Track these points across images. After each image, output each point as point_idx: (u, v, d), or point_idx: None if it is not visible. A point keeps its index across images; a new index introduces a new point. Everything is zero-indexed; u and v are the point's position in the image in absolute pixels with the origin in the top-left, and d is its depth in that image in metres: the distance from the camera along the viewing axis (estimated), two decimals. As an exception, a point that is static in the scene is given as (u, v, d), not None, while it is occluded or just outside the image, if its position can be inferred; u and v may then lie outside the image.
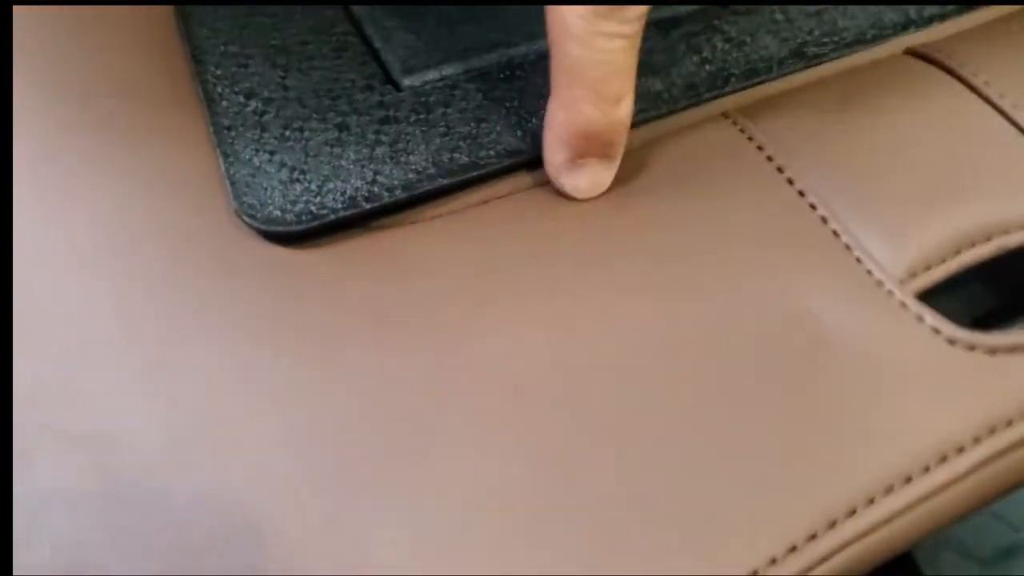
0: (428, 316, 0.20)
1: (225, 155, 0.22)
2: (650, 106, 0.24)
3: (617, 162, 0.22)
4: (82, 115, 0.23)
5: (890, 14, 0.27)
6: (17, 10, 0.26)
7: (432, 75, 0.25)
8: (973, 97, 0.24)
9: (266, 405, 0.19)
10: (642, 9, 0.20)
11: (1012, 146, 0.23)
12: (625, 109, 0.21)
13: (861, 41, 0.26)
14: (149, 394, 0.19)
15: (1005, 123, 0.23)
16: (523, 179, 0.23)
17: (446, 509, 0.17)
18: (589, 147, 0.22)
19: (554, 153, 0.22)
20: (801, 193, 0.22)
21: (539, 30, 0.25)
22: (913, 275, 0.21)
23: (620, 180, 0.23)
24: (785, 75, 0.25)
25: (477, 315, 0.20)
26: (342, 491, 0.17)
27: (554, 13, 0.20)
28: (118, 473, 0.17)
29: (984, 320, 0.23)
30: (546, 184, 0.23)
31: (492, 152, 0.23)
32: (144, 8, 0.27)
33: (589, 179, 0.22)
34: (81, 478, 0.17)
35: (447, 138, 0.23)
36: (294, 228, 0.21)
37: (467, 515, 0.17)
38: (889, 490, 0.18)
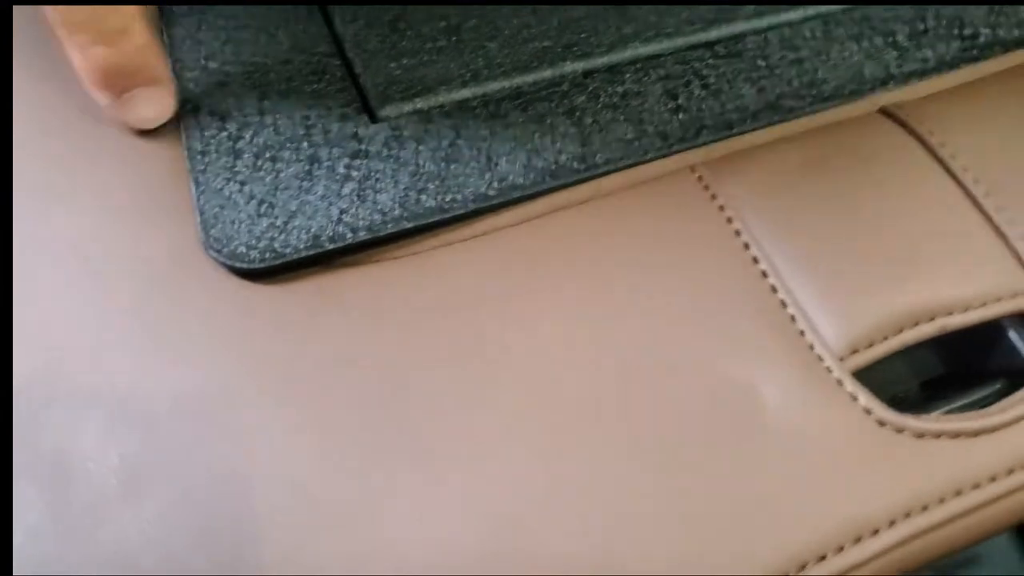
0: (378, 357, 0.21)
1: (197, 183, 0.23)
2: (619, 154, 0.24)
3: (168, 84, 0.23)
4: (56, 131, 0.24)
5: (870, 67, 0.27)
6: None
7: (407, 107, 0.25)
8: (937, 168, 0.24)
9: (223, 435, 0.19)
10: None
11: (966, 223, 0.23)
12: (137, 35, 0.22)
13: (838, 96, 0.26)
14: (117, 424, 0.19)
15: (963, 198, 0.24)
16: (487, 222, 0.24)
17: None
18: (124, 80, 0.22)
19: (98, 97, 0.23)
20: (755, 260, 0.23)
21: (518, 63, 0.26)
22: (854, 351, 0.21)
23: (578, 228, 0.23)
24: (758, 128, 0.26)
25: (428, 358, 0.21)
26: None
27: None
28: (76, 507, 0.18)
29: (930, 387, 0.24)
30: (508, 227, 0.23)
31: (459, 196, 0.23)
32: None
33: (146, 107, 0.23)
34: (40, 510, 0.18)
35: (416, 178, 0.23)
36: (258, 266, 0.21)
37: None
38: (802, 567, 0.19)
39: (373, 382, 0.20)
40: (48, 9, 0.21)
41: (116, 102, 0.23)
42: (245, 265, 0.21)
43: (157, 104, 0.23)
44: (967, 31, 0.28)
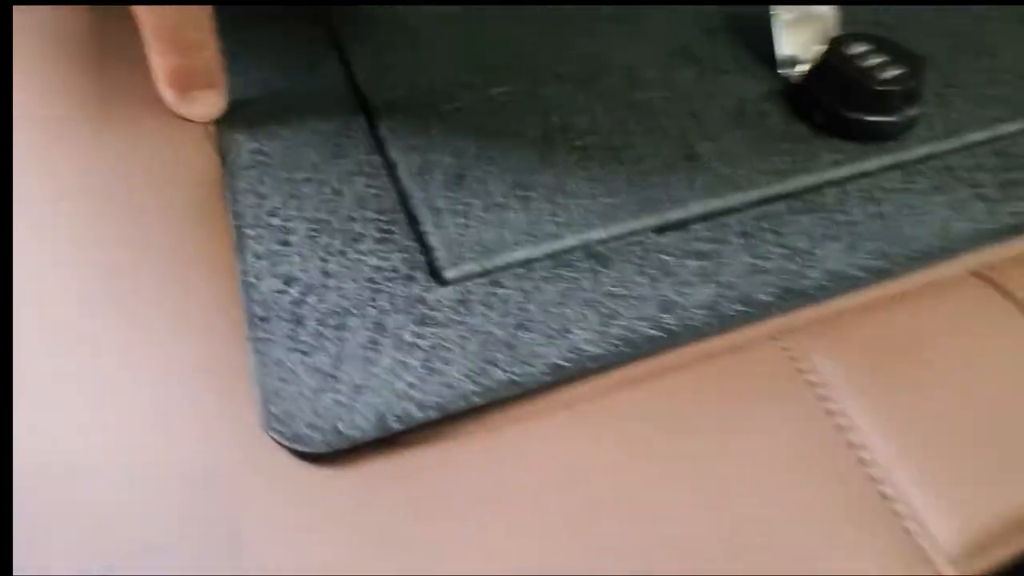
0: (445, 544, 0.19)
1: (257, 352, 0.22)
2: (698, 322, 0.23)
3: (222, 88, 0.28)
4: (112, 290, 0.23)
5: (957, 221, 0.26)
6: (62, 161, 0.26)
7: (476, 267, 0.24)
8: (1044, 341, 0.22)
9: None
10: None
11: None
12: (209, 49, 0.27)
13: (926, 256, 0.25)
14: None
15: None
16: (559, 395, 0.22)
17: None
18: (190, 83, 0.27)
19: (166, 93, 0.28)
20: (850, 444, 0.21)
21: (588, 220, 0.25)
22: (970, 555, 0.19)
23: (655, 404, 0.22)
24: (842, 293, 0.24)
25: (501, 548, 0.19)
26: None
27: None
28: None
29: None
30: (582, 400, 0.22)
31: (531, 368, 0.22)
32: (195, 168, 0.27)
33: (203, 106, 0.28)
34: None
35: (485, 347, 0.22)
36: (322, 450, 0.20)
37: None
38: None
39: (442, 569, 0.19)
40: (142, 21, 0.26)
41: (180, 99, 0.28)
42: (308, 449, 0.20)
43: (212, 104, 0.28)
44: None
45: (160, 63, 0.27)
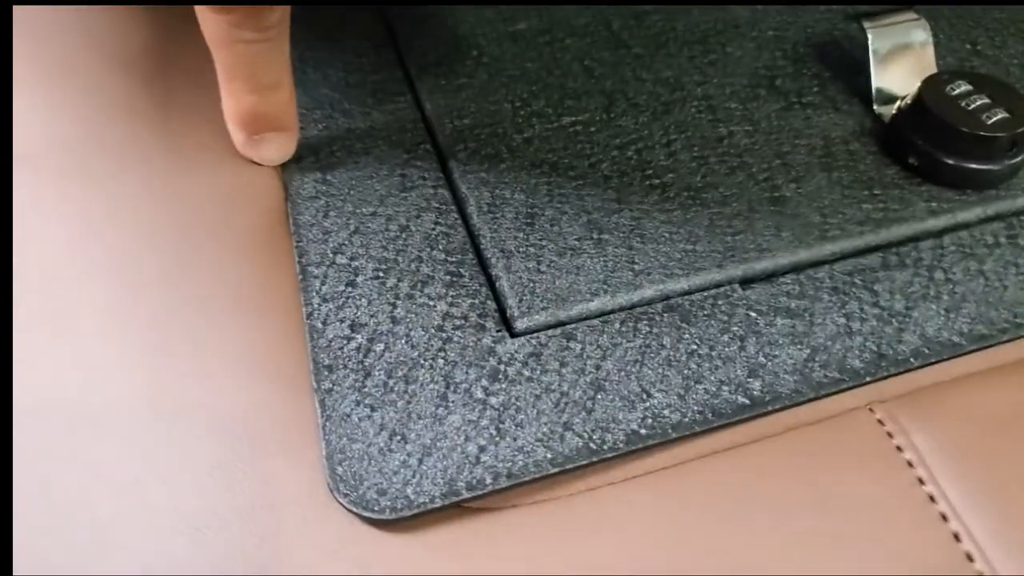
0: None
1: (323, 405, 0.21)
2: (787, 389, 0.22)
3: (295, 131, 0.26)
4: (171, 328, 0.22)
5: (1067, 284, 0.24)
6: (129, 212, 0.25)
7: (548, 318, 0.23)
8: None
9: None
10: (279, 13, 0.23)
11: None
12: (284, 91, 0.25)
13: None
14: None
15: None
16: (638, 464, 0.21)
17: None
18: (261, 125, 0.25)
19: (235, 134, 0.26)
20: (944, 517, 0.20)
21: (668, 269, 0.23)
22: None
23: (738, 475, 0.20)
24: (942, 361, 0.23)
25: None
26: None
27: (201, 18, 0.23)
28: None
29: None
30: (664, 471, 0.21)
31: (609, 436, 0.21)
32: (259, 196, 0.26)
33: (272, 149, 0.26)
34: None
35: (560, 410, 0.21)
36: (388, 517, 0.19)
37: None
38: None
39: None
40: (218, 58, 0.24)
41: (249, 141, 0.26)
42: (374, 515, 0.19)
43: (282, 148, 0.26)
44: None
45: (231, 103, 0.25)
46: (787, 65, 0.31)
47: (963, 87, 0.27)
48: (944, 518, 0.20)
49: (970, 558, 0.19)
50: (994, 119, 0.26)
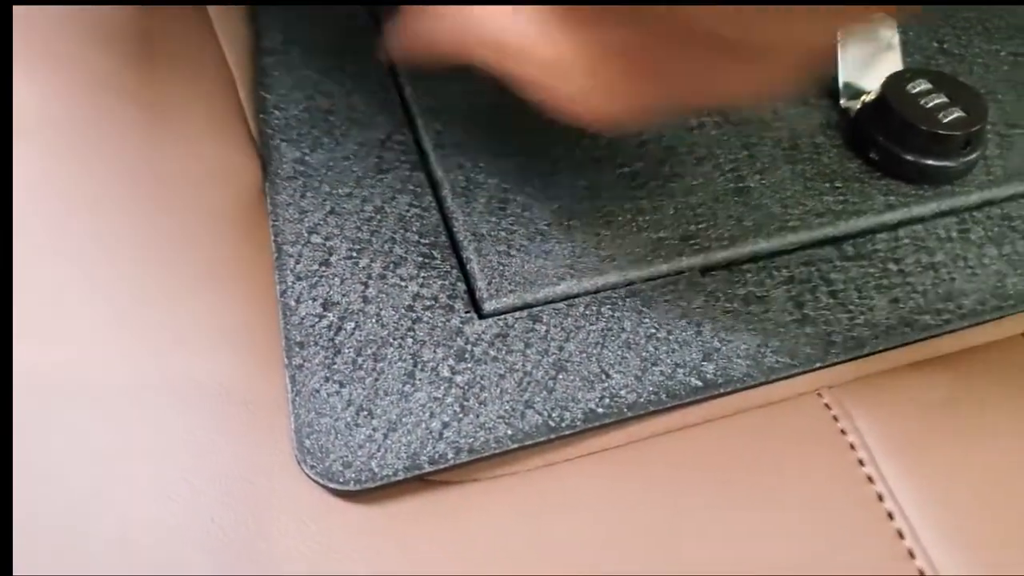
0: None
1: (293, 380, 0.22)
2: (740, 372, 0.23)
3: None
4: (146, 297, 0.23)
5: (1014, 278, 0.25)
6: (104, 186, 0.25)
7: (516, 300, 0.24)
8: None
9: None
10: None
11: None
12: None
13: (979, 313, 0.24)
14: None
15: None
16: (595, 441, 0.22)
17: None
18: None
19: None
20: (880, 497, 0.21)
21: (632, 255, 0.24)
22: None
23: (691, 452, 0.21)
24: (890, 348, 0.24)
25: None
26: None
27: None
28: None
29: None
30: (617, 447, 0.22)
31: (568, 414, 0.22)
32: (239, 173, 0.27)
33: None
34: None
35: (522, 388, 0.22)
36: (352, 488, 0.20)
37: None
38: None
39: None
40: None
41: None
42: (339, 486, 0.20)
43: None
44: None
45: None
46: None
47: (923, 85, 0.28)
48: (880, 498, 0.21)
49: (901, 535, 0.20)
50: (950, 118, 0.27)
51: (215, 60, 0.29)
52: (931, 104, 0.27)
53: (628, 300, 0.24)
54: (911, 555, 0.20)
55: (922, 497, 0.21)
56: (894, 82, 0.28)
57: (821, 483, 0.21)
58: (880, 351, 0.23)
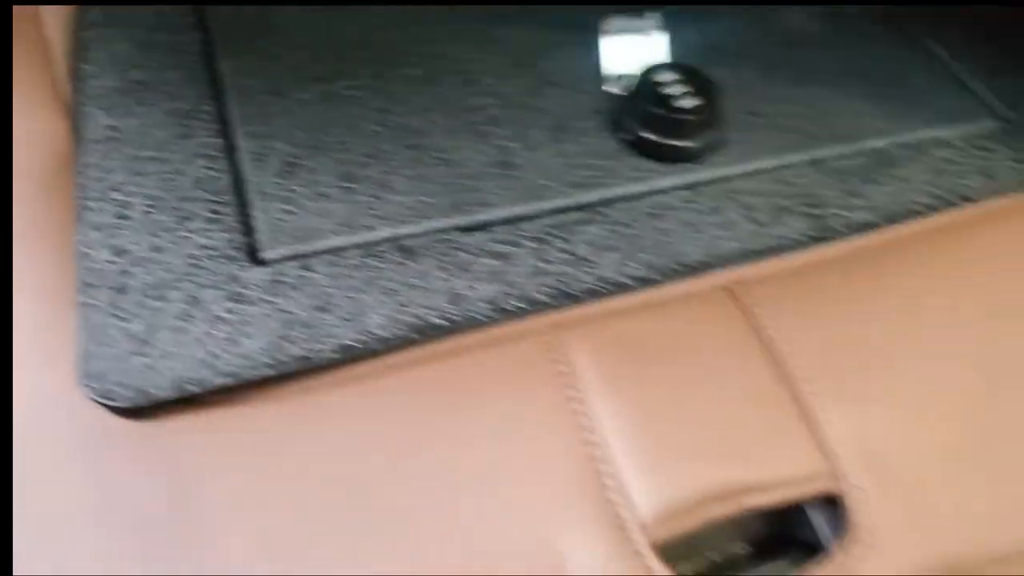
0: (221, 498, 0.23)
1: (82, 316, 0.25)
2: (482, 314, 0.27)
3: None
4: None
5: (725, 242, 0.30)
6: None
7: (288, 251, 0.27)
8: (761, 353, 0.27)
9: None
10: None
11: (779, 408, 0.26)
12: None
13: (690, 270, 0.29)
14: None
15: (780, 382, 0.26)
16: (349, 371, 0.26)
17: None
18: None
19: None
20: (581, 427, 0.25)
21: (402, 215, 0.28)
22: (659, 524, 0.24)
23: (432, 381, 0.25)
24: (611, 297, 0.28)
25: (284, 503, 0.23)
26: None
27: None
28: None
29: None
30: (369, 377, 0.26)
31: (323, 346, 0.25)
32: (46, 149, 0.29)
33: None
34: None
35: (287, 325, 0.25)
36: (125, 405, 0.23)
37: None
38: None
39: (206, 523, 0.22)
40: None
41: None
42: (114, 403, 0.23)
43: None
44: (819, 211, 0.31)
45: None
46: (551, 48, 0.36)
47: (670, 76, 0.32)
48: (576, 412, 0.25)
49: (589, 442, 0.25)
50: (688, 104, 0.31)
51: (29, 31, 0.32)
52: (673, 92, 0.32)
53: (395, 254, 0.28)
54: (596, 458, 0.24)
55: (625, 423, 0.25)
56: (647, 73, 0.33)
57: (525, 403, 0.25)
58: (604, 297, 0.28)
